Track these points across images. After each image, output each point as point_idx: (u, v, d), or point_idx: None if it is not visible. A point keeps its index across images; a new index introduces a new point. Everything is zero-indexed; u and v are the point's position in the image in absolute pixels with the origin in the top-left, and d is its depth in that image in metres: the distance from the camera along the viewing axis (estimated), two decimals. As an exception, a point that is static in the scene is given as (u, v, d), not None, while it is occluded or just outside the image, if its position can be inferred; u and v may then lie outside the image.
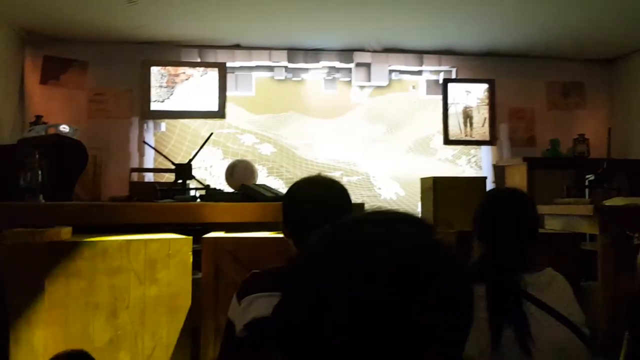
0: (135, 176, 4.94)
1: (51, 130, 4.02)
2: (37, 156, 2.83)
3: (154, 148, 4.50)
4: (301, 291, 0.64)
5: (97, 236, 2.52)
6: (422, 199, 3.36)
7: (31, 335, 2.22)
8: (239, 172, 4.16)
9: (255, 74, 5.56)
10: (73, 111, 5.01)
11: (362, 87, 5.64)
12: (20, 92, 4.97)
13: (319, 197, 1.52)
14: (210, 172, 5.36)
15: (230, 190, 4.04)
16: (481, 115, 5.52)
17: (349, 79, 5.62)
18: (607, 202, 3.14)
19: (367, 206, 4.12)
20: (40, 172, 2.81)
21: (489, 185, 4.76)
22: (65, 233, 2.34)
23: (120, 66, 5.16)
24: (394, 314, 0.58)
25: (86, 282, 2.36)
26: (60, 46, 5.07)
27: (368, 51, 5.49)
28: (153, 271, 2.54)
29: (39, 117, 4.52)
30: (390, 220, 0.67)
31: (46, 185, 2.83)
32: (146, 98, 5.21)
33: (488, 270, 1.63)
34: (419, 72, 5.66)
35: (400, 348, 0.58)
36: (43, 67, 5.03)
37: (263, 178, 5.18)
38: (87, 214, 2.72)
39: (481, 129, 5.51)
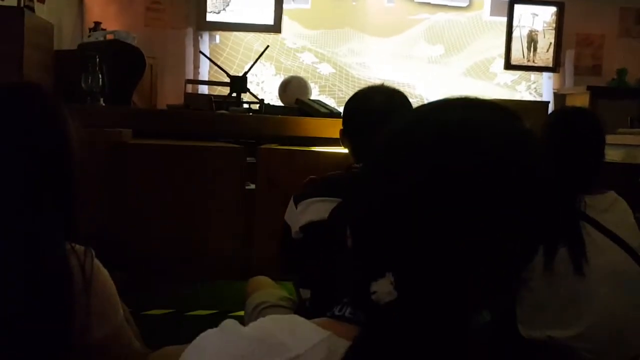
0: (189, 88, 4.98)
1: (109, 37, 4.05)
2: (97, 60, 2.88)
3: (210, 59, 4.51)
4: (382, 182, 0.62)
5: (156, 140, 2.59)
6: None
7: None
8: (293, 88, 4.13)
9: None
10: (130, 19, 5.02)
11: (422, 3, 5.41)
12: (80, -2, 4.99)
13: (382, 103, 1.50)
14: (262, 87, 5.33)
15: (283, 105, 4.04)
16: (546, 40, 5.26)
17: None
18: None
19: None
20: (101, 76, 2.87)
21: (551, 111, 4.60)
22: (126, 135, 2.40)
23: (178, -26, 5.09)
24: (476, 204, 0.56)
25: (143, 183, 2.44)
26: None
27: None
28: (208, 178, 2.61)
29: (97, 24, 4.55)
30: (468, 107, 0.64)
31: (106, 90, 2.89)
32: (202, 8, 5.17)
33: (549, 190, 1.59)
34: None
35: (480, 239, 0.57)
36: (101, -27, 5.02)
37: (315, 96, 5.13)
38: (147, 119, 2.79)
39: (545, 55, 5.26)
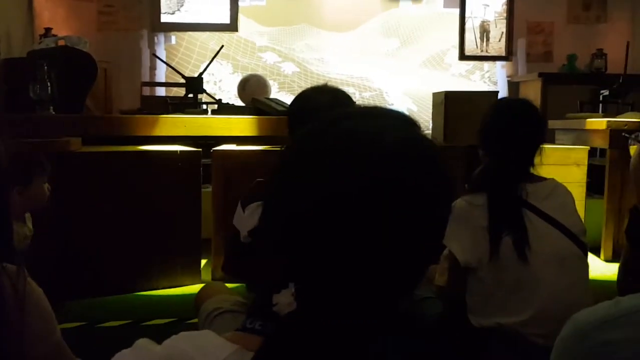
0: (146, 90, 4.93)
1: (61, 43, 3.98)
2: (46, 68, 2.84)
3: (164, 62, 4.47)
4: (287, 191, 0.63)
5: (107, 147, 2.56)
6: (434, 114, 3.34)
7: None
8: (252, 86, 4.13)
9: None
10: (82, 23, 4.93)
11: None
12: (29, 4, 4.88)
13: (326, 102, 1.52)
14: (220, 86, 5.31)
15: (242, 104, 4.04)
16: (498, 30, 5.36)
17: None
18: (620, 117, 3.10)
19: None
20: (49, 84, 2.82)
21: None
22: (75, 143, 2.37)
23: (129, -24, 5.03)
24: (377, 212, 0.57)
25: (93, 191, 2.42)
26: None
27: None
28: (162, 182, 2.59)
29: (48, 30, 4.46)
30: (376, 116, 0.66)
31: (56, 98, 2.85)
32: (156, 9, 5.11)
33: (490, 179, 1.64)
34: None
35: (381, 245, 0.58)
36: (50, -24, 4.92)
37: (274, 93, 5.13)
38: (97, 126, 2.76)
39: (497, 44, 5.36)
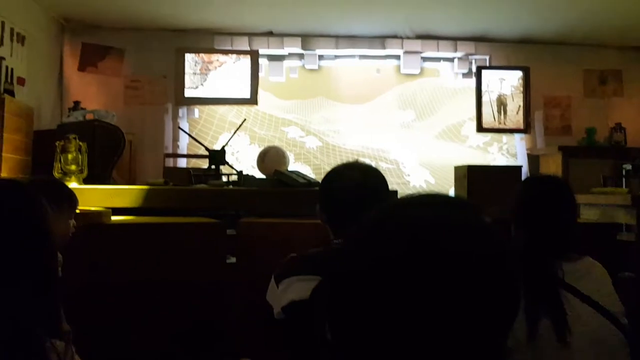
0: (168, 161, 5.02)
1: (89, 116, 4.10)
2: (76, 140, 2.91)
3: (189, 134, 4.57)
4: (350, 274, 0.64)
5: (134, 218, 2.58)
6: (456, 187, 3.34)
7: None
8: (271, 158, 4.18)
9: (287, 62, 5.56)
10: (110, 97, 5.11)
11: (393, 73, 5.60)
12: (59, 78, 5.08)
13: (357, 182, 1.53)
14: (237, 157, 5.39)
15: (261, 176, 4.08)
16: (515, 103, 5.45)
17: (379, 65, 5.59)
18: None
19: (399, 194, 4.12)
20: (79, 156, 2.88)
21: (524, 174, 4.70)
22: (105, 215, 2.40)
23: (156, 53, 5.23)
24: (444, 298, 0.58)
25: (119, 262, 2.42)
26: (98, 34, 5.17)
27: (400, 38, 5.45)
28: (187, 253, 2.59)
29: (77, 103, 4.62)
30: (439, 204, 0.67)
31: (84, 169, 2.90)
32: (180, 85, 5.29)
33: (525, 258, 1.62)
34: (452, 59, 5.59)
35: (447, 331, 0.59)
36: (81, 54, 5.14)
37: (290, 164, 5.20)
38: (124, 197, 2.78)
39: (515, 117, 5.43)
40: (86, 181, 2.93)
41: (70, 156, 2.87)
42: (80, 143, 2.85)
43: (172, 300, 2.56)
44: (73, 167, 2.82)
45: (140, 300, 2.49)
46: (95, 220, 2.30)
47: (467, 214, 0.66)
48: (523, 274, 1.58)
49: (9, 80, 4.04)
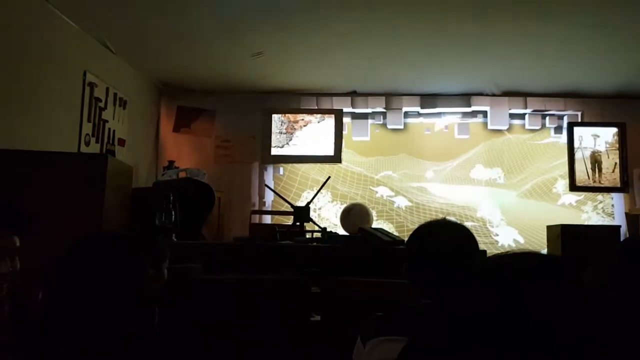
0: (254, 218, 5.14)
1: (182, 174, 4.31)
2: (171, 198, 3.05)
3: (275, 191, 4.68)
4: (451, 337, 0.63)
5: (220, 274, 2.65)
6: (549, 248, 3.20)
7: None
8: (355, 215, 4.19)
9: (370, 120, 5.64)
10: (201, 156, 5.36)
11: (479, 130, 5.53)
12: (156, 139, 5.41)
13: (451, 245, 1.51)
14: (319, 214, 5.44)
15: (344, 232, 4.08)
16: (611, 161, 5.20)
17: (466, 122, 5.55)
18: None
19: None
20: (173, 213, 3.01)
21: (623, 234, 4.42)
22: (196, 270, 2.47)
23: (244, 114, 5.47)
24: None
25: (207, 317, 2.47)
26: (192, 97, 5.48)
27: (487, 95, 5.41)
28: (272, 310, 2.61)
29: (171, 162, 4.87)
30: (535, 267, 0.66)
31: (178, 225, 3.03)
32: (267, 144, 5.47)
33: (628, 330, 1.50)
34: (541, 115, 5.46)
35: None
36: (176, 116, 5.46)
37: (373, 221, 5.18)
38: (213, 253, 2.87)
39: (611, 175, 5.18)
40: (178, 237, 3.05)
41: (165, 213, 3.01)
42: (174, 200, 2.98)
43: (255, 358, 2.57)
44: (166, 223, 2.94)
45: (225, 357, 2.52)
46: (186, 276, 2.37)
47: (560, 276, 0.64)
48: (624, 344, 1.46)
49: (110, 141, 4.35)
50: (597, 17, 3.66)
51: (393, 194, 5.52)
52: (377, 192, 5.53)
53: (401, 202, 5.50)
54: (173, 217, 2.92)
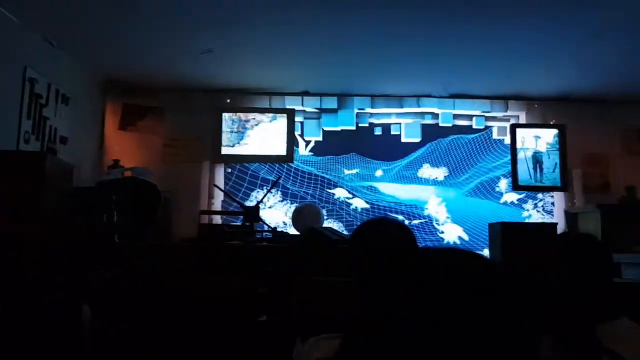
0: (203, 218, 5.07)
1: (127, 174, 4.21)
2: (113, 198, 2.98)
3: (224, 191, 4.64)
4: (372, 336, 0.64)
5: (166, 276, 2.60)
6: (491, 245, 3.28)
7: None
8: (306, 215, 4.20)
9: (323, 120, 5.65)
10: (148, 155, 5.25)
11: (426, 130, 5.63)
12: (101, 137, 5.27)
13: (387, 243, 1.52)
14: (268, 213, 5.40)
15: (295, 232, 4.09)
16: (552, 161, 5.38)
17: (415, 122, 5.63)
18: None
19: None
20: (115, 214, 2.94)
21: (561, 231, 4.58)
22: (140, 272, 2.42)
23: (194, 113, 5.39)
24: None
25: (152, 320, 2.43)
26: (138, 95, 5.37)
27: (435, 97, 5.51)
28: (218, 311, 2.58)
29: (116, 161, 4.76)
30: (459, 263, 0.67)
31: (121, 226, 2.96)
32: (217, 143, 5.41)
33: (561, 319, 1.56)
34: (486, 117, 5.60)
35: None
36: (122, 114, 5.33)
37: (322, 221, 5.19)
38: (158, 255, 2.82)
39: (552, 175, 5.35)
40: (122, 238, 2.98)
41: (106, 213, 2.94)
42: (116, 200, 2.92)
43: (203, 357, 2.54)
44: (108, 224, 2.88)
45: (172, 357, 2.48)
46: (129, 277, 2.33)
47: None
48: (560, 335, 1.52)
49: (52, 139, 4.22)
50: (541, 22, 3.77)
51: (343, 193, 5.55)
52: (327, 191, 5.55)
53: (352, 201, 5.54)
54: (115, 217, 2.86)
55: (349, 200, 5.54)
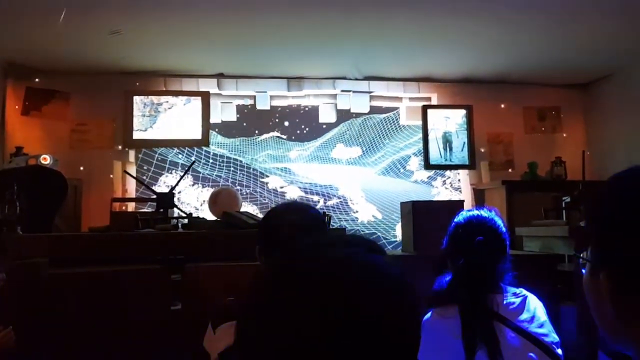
0: (116, 206, 4.92)
1: (31, 162, 4.01)
2: (15, 188, 2.84)
3: (135, 178, 4.51)
4: (256, 320, 0.64)
5: (73, 268, 2.51)
6: (403, 224, 3.39)
7: None
8: (223, 199, 4.16)
9: (237, 101, 5.60)
10: (54, 142, 5.01)
11: (340, 111, 5.70)
12: (2, 123, 4.96)
13: (293, 222, 1.54)
14: (178, 197, 5.30)
15: (213, 217, 4.05)
16: (460, 140, 5.61)
17: (328, 104, 5.69)
18: (583, 223, 3.18)
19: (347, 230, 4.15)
20: (18, 204, 2.81)
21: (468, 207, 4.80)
22: (42, 265, 2.33)
23: (103, 96, 5.19)
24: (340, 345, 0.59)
25: (61, 314, 2.35)
26: (42, 78, 5.09)
27: (349, 79, 5.58)
28: (129, 302, 2.53)
29: (19, 149, 4.51)
30: (343, 245, 0.69)
31: (24, 217, 2.83)
32: (128, 127, 5.23)
33: (459, 291, 1.65)
34: (398, 98, 5.74)
35: None
36: (25, 98, 5.04)
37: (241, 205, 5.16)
38: (64, 246, 2.71)
39: (460, 153, 5.59)
40: (27, 230, 2.84)
41: (8, 204, 2.79)
42: (19, 189, 2.78)
43: (116, 350, 2.48)
44: (10, 216, 2.74)
45: (85, 351, 2.41)
46: (31, 272, 2.23)
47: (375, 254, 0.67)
48: (458, 307, 1.61)
49: (-54, 126, 3.94)
50: (449, 7, 3.90)
51: (258, 175, 5.54)
52: (241, 173, 5.52)
53: (266, 183, 5.54)
54: (17, 208, 2.72)
55: (263, 181, 5.53)
